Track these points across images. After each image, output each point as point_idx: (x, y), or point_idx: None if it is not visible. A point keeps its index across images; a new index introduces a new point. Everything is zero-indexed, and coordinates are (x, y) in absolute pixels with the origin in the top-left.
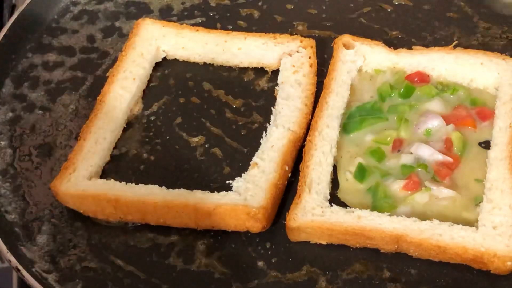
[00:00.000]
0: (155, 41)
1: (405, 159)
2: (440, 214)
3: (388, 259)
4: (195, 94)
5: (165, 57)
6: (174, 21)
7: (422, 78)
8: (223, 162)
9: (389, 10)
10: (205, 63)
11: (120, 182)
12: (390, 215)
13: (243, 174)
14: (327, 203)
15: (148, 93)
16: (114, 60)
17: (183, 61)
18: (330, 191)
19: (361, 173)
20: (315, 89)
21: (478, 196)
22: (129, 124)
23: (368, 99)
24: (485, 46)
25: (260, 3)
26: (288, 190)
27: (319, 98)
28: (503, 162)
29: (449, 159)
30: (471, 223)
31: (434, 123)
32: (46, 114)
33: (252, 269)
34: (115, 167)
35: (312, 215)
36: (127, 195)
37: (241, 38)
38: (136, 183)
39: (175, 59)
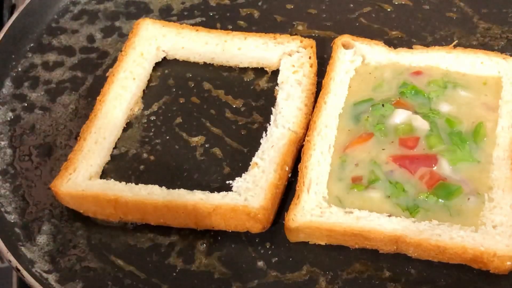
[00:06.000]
0: (155, 41)
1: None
2: None
3: (388, 259)
4: (195, 94)
5: (165, 57)
6: (174, 21)
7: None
8: (223, 162)
9: (389, 10)
10: (205, 63)
11: (120, 182)
12: (389, 216)
13: (243, 174)
14: (326, 204)
15: (148, 93)
16: (114, 60)
17: (183, 61)
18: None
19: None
20: (315, 89)
21: None
22: (129, 124)
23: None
24: (485, 46)
25: (260, 3)
26: (288, 190)
27: (318, 98)
28: (505, 162)
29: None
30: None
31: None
32: (46, 114)
33: (252, 269)
34: (115, 167)
35: (311, 215)
36: (127, 195)
37: (241, 38)
38: (136, 183)
39: (175, 59)
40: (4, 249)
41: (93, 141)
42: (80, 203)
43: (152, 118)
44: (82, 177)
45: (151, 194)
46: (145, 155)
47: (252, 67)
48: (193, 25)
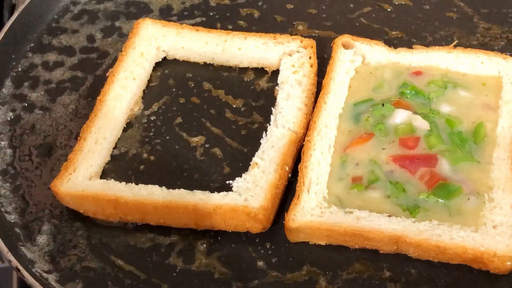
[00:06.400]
0: (155, 41)
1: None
2: None
3: (388, 259)
4: (195, 94)
5: (165, 57)
6: (174, 21)
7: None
8: (223, 162)
9: (389, 10)
10: (205, 63)
11: (120, 182)
12: (389, 216)
13: (243, 174)
14: (326, 204)
15: (148, 93)
16: (114, 60)
17: (183, 61)
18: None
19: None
20: (316, 89)
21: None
22: (129, 124)
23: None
24: (485, 46)
25: (260, 3)
26: (288, 190)
27: (318, 98)
28: (505, 162)
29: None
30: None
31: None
32: (46, 114)
33: (252, 269)
34: (115, 167)
35: (311, 215)
36: (127, 195)
37: (241, 38)
38: (136, 183)
39: (175, 59)
40: (4, 249)
41: (93, 141)
42: (80, 203)
43: (152, 118)
44: (82, 177)
45: (151, 194)
46: (145, 155)
47: (252, 67)
48: (193, 25)
